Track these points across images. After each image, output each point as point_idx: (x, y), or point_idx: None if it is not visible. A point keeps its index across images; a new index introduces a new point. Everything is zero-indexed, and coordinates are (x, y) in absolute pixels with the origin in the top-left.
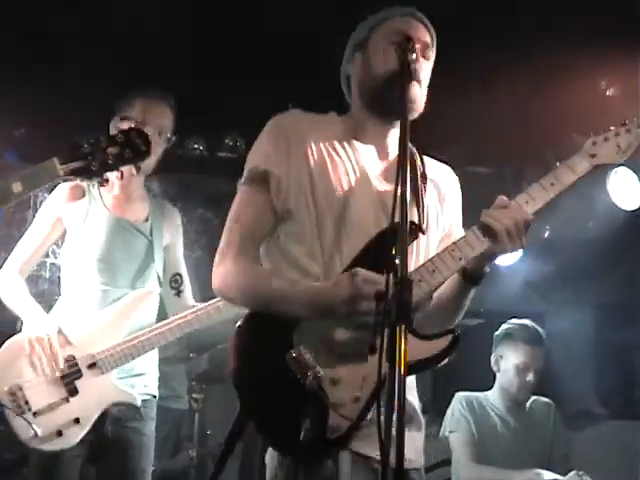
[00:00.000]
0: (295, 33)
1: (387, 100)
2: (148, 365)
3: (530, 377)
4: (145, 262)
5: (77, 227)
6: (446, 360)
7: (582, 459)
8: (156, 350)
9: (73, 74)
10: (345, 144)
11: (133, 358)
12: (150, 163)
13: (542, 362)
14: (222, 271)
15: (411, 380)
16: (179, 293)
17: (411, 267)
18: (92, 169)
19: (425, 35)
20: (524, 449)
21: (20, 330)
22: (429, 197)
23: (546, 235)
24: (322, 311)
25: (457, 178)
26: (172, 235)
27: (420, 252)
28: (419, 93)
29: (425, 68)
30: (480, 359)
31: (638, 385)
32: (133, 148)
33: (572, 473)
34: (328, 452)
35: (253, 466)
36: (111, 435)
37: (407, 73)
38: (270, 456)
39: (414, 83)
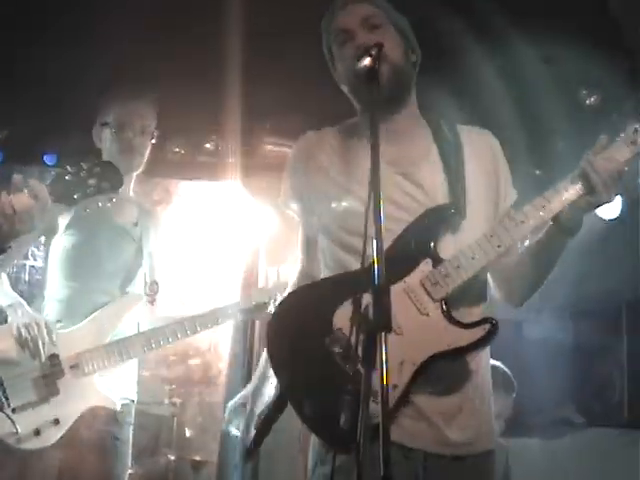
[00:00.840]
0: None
1: (361, 101)
2: (127, 369)
3: (500, 424)
4: (133, 266)
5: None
6: (484, 348)
7: (562, 467)
8: None
9: (58, 75)
10: (351, 148)
11: (115, 364)
12: (140, 162)
13: (511, 410)
14: None
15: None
16: (152, 301)
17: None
18: (75, 198)
19: (361, 9)
20: None
21: (5, 321)
22: (471, 172)
23: (526, 243)
24: None
25: (498, 143)
26: (156, 241)
27: (468, 232)
28: (389, 75)
29: (380, 33)
30: None
31: (616, 393)
32: (109, 181)
33: None
34: (370, 439)
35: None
36: (86, 439)
37: (373, 78)
38: (312, 445)
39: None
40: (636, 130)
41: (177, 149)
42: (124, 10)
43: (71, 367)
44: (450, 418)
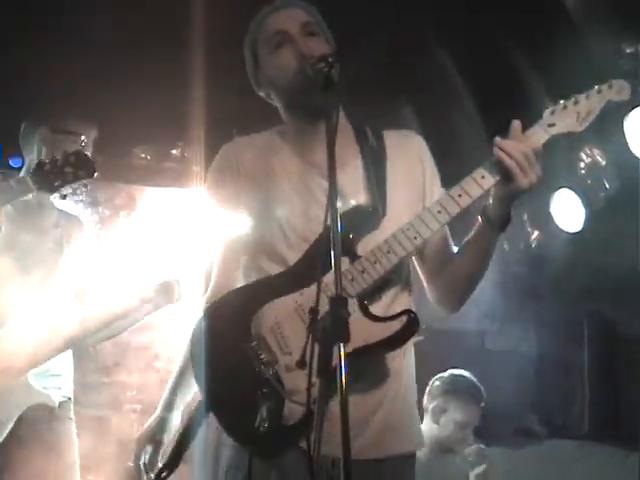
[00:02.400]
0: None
1: (302, 105)
2: (62, 367)
3: (468, 433)
4: (52, 267)
5: None
6: (405, 343)
7: (523, 476)
8: (70, 353)
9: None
10: (277, 151)
11: (45, 362)
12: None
13: (479, 419)
14: None
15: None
16: (84, 304)
17: None
18: (56, 185)
19: (299, 15)
20: None
21: None
22: (392, 173)
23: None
24: None
25: (424, 144)
26: (79, 245)
27: (389, 231)
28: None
29: (318, 42)
30: (420, 377)
31: (577, 405)
32: (84, 168)
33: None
34: (286, 442)
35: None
36: (28, 438)
37: (331, 88)
38: (224, 457)
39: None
40: (553, 112)
41: (143, 155)
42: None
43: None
44: (365, 420)
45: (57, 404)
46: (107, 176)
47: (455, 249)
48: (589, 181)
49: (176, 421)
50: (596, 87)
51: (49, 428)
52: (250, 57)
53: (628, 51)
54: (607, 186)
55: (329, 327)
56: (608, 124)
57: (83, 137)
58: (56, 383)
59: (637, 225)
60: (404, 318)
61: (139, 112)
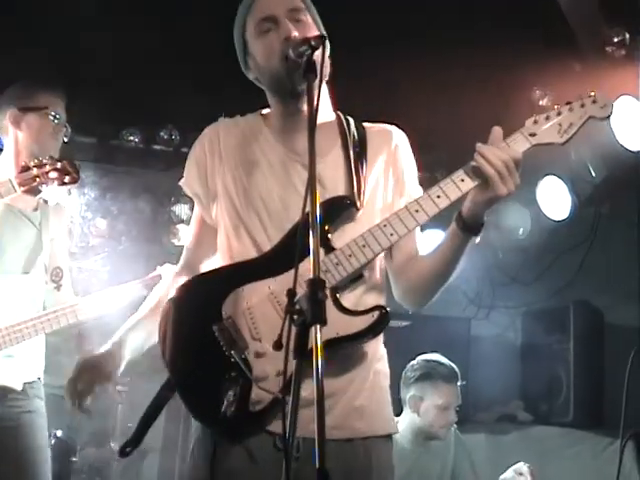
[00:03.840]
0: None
1: (287, 90)
2: (31, 349)
3: (452, 415)
4: (34, 250)
5: None
6: (375, 337)
7: (506, 462)
8: (42, 336)
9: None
10: (260, 136)
11: (12, 344)
12: (55, 149)
13: (460, 398)
14: None
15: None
16: (58, 287)
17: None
18: (40, 189)
19: (288, 0)
20: (425, 477)
21: None
22: (371, 166)
23: (477, 240)
24: None
25: (404, 137)
26: (59, 229)
27: (364, 224)
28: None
29: (304, 27)
30: (406, 362)
31: (562, 392)
32: (69, 174)
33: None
34: (251, 427)
35: (174, 463)
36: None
37: (313, 71)
38: (194, 428)
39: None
40: (535, 122)
41: (131, 137)
42: None
43: None
44: (331, 402)
45: (22, 386)
46: (95, 158)
47: (421, 248)
48: (576, 169)
49: (120, 359)
50: (579, 100)
51: (17, 406)
52: (239, 41)
53: (615, 39)
54: (593, 174)
55: (306, 309)
56: None
57: (51, 109)
58: (23, 365)
59: (624, 213)
60: (376, 313)
61: (125, 96)
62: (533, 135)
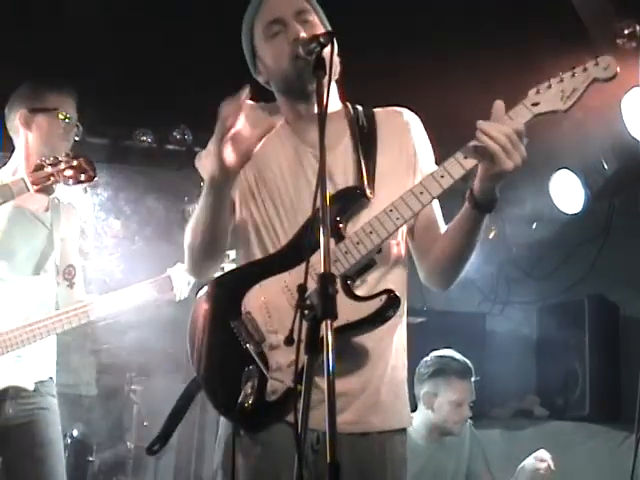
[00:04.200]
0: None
1: (299, 90)
2: (41, 350)
3: (466, 411)
4: (44, 250)
5: None
6: (386, 320)
7: (523, 458)
8: (53, 336)
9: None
10: (280, 130)
11: (25, 345)
12: (66, 150)
13: (474, 394)
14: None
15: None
16: (71, 285)
17: None
18: (53, 188)
19: (295, 2)
20: (440, 472)
21: None
22: (383, 150)
23: (491, 236)
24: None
25: (416, 118)
26: (69, 228)
27: (378, 210)
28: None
29: (312, 28)
30: (421, 359)
31: (578, 387)
32: (85, 172)
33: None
34: (269, 417)
35: (190, 462)
36: (12, 414)
37: (322, 68)
38: (220, 422)
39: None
40: (537, 91)
41: (144, 137)
42: None
43: None
44: (351, 398)
45: (34, 386)
46: (107, 159)
47: (444, 228)
48: (588, 162)
49: None
50: (582, 65)
51: (31, 403)
52: (248, 46)
53: (626, 32)
54: (606, 167)
55: (317, 304)
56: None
57: (61, 110)
58: (36, 365)
59: (638, 206)
60: (383, 297)
61: (137, 96)
62: (536, 104)
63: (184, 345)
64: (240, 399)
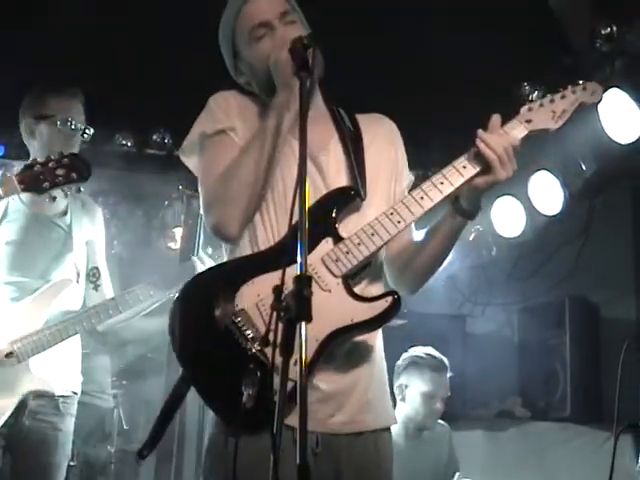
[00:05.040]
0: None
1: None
2: (69, 361)
3: (438, 405)
4: (62, 253)
5: None
6: (387, 322)
7: (505, 459)
8: (79, 347)
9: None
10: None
11: (50, 346)
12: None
13: (448, 390)
14: (214, 210)
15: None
16: (96, 287)
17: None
18: (44, 187)
19: (277, 4)
20: (418, 473)
21: None
22: (368, 154)
23: (471, 237)
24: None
25: (394, 125)
26: (93, 230)
27: (368, 212)
28: (319, 66)
29: (298, 30)
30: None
31: (559, 387)
32: (77, 171)
33: None
34: (273, 418)
35: (170, 466)
36: (27, 428)
37: (308, 70)
38: (210, 424)
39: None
40: (530, 109)
41: (124, 141)
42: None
43: (6, 356)
44: (345, 397)
45: (57, 392)
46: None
47: (415, 233)
48: (566, 163)
49: None
50: (570, 87)
51: (48, 422)
52: (228, 47)
53: (603, 32)
54: (584, 168)
55: (292, 305)
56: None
57: (59, 116)
58: (61, 375)
59: (618, 207)
60: (389, 299)
61: (117, 100)
62: (529, 121)
63: (164, 349)
64: (244, 400)
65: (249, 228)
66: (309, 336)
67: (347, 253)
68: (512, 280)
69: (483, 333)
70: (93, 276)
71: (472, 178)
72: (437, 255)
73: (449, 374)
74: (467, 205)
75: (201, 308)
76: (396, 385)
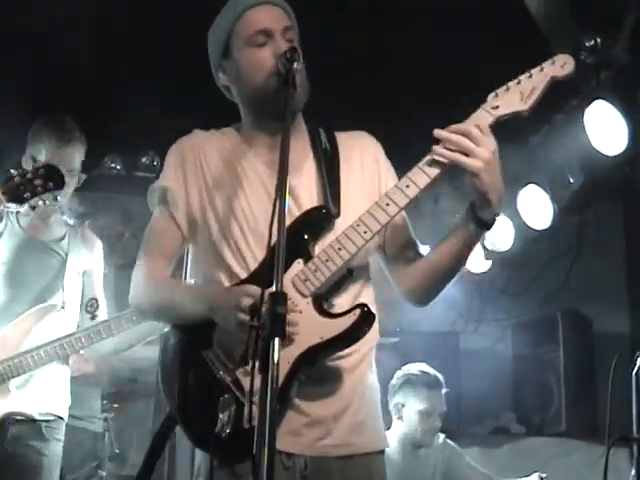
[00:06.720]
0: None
1: (271, 107)
2: (54, 384)
3: (435, 421)
4: (56, 278)
5: None
6: (361, 336)
7: (501, 476)
8: (67, 371)
9: None
10: (239, 152)
11: (31, 369)
12: (65, 195)
13: (444, 405)
14: (134, 287)
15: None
16: (94, 317)
17: None
18: (25, 197)
19: (282, 18)
20: None
21: None
22: (346, 171)
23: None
24: (215, 316)
25: (375, 140)
26: (92, 261)
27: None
28: (303, 86)
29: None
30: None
31: (554, 402)
32: (53, 181)
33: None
34: (246, 444)
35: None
36: (10, 453)
37: (292, 84)
38: (197, 456)
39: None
40: (496, 95)
41: (113, 164)
42: None
43: None
44: (333, 421)
45: (36, 415)
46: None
47: (421, 246)
48: (554, 176)
49: None
50: (539, 66)
51: (31, 447)
52: (219, 44)
53: (588, 45)
54: (571, 181)
55: (266, 323)
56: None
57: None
58: (45, 399)
59: (608, 220)
60: (357, 312)
61: (106, 123)
62: (496, 108)
63: (154, 373)
64: (217, 429)
65: (221, 263)
66: (281, 357)
67: (315, 271)
68: (505, 296)
69: (477, 349)
70: (91, 307)
71: (438, 177)
72: (454, 267)
73: (444, 390)
74: (482, 212)
75: (182, 342)
76: (392, 404)
